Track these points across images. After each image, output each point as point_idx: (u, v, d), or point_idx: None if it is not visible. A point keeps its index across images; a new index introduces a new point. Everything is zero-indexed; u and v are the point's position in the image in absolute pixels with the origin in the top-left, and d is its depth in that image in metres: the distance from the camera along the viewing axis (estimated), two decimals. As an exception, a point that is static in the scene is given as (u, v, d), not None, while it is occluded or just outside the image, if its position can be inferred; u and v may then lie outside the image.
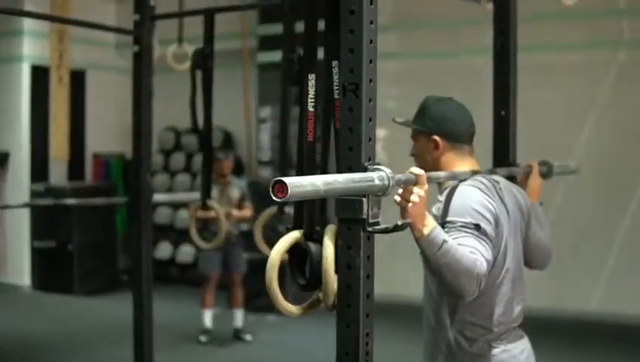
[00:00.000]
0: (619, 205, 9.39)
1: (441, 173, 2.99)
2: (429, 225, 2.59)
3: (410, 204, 2.49)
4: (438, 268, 2.66)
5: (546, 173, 3.57)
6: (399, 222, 2.32)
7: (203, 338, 8.45)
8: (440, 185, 3.11)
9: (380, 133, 10.76)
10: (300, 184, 1.97)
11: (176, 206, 11.82)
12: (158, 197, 4.93)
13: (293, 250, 2.49)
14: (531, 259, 3.32)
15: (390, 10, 10.22)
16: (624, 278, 9.26)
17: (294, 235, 2.49)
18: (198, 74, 4.39)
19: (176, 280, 11.80)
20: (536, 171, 3.50)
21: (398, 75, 10.33)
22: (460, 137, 3.14)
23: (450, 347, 3.07)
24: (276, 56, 7.93)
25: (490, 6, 3.72)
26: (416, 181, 2.48)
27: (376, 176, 2.25)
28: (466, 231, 2.80)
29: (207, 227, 7.30)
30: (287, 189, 1.91)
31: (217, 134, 11.70)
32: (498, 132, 3.60)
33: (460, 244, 2.71)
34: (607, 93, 9.39)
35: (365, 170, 2.29)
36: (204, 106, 4.40)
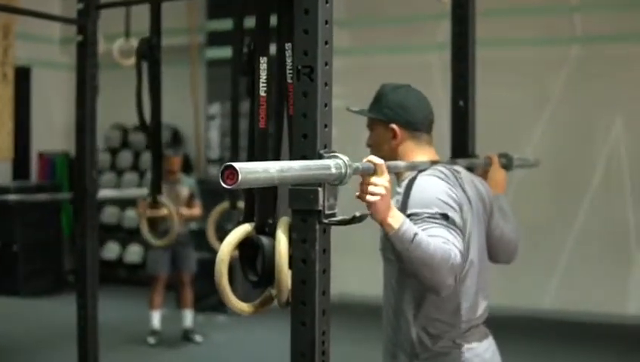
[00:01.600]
0: (572, 202, 9.38)
1: (400, 163, 2.85)
2: (398, 219, 2.44)
3: (374, 198, 2.35)
4: (412, 264, 2.51)
5: (506, 165, 3.45)
6: (357, 214, 2.18)
7: (151, 340, 8.26)
8: (398, 176, 2.97)
9: (343, 132, 10.66)
10: (251, 170, 1.83)
11: (123, 205, 11.62)
12: (103, 193, 4.74)
13: (244, 244, 2.35)
14: (496, 253, 3.21)
15: (342, 6, 10.12)
16: (578, 276, 9.26)
17: (245, 228, 2.35)
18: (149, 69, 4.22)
19: (125, 280, 11.59)
20: (496, 162, 3.38)
21: (348, 72, 10.22)
22: (419, 126, 3.00)
23: (413, 345, 2.93)
24: (225, 52, 7.78)
25: (447, -1, 3.60)
26: (374, 170, 2.34)
27: (333, 164, 2.12)
28: (434, 222, 2.65)
29: (156, 225, 7.14)
30: (238, 175, 1.77)
31: (165, 131, 11.54)
32: (456, 123, 3.47)
33: (430, 236, 2.56)
34: (560, 89, 9.37)
35: (321, 158, 2.16)
36: (152, 100, 4.21)
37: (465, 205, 2.86)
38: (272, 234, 2.30)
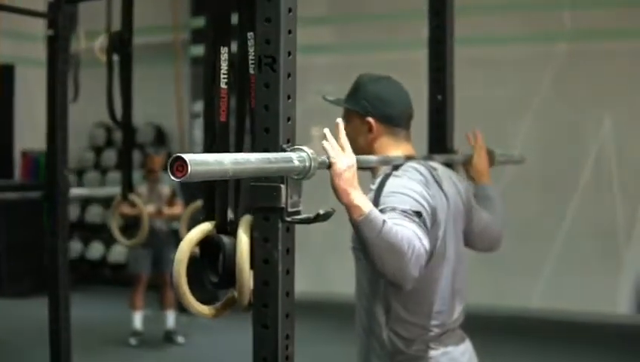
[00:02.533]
0: (560, 200, 9.31)
1: (372, 157, 2.72)
2: (367, 204, 2.30)
3: (339, 166, 2.22)
4: (378, 252, 2.35)
5: (489, 161, 3.34)
6: (321, 211, 2.06)
7: (133, 341, 8.15)
8: (373, 172, 2.85)
9: (323, 129, 10.54)
10: (203, 161, 1.72)
11: (108, 205, 11.49)
12: (75, 191, 4.64)
13: (205, 243, 2.24)
14: (480, 241, 3.11)
15: (326, 1, 10.02)
16: (566, 275, 9.18)
17: (205, 227, 2.23)
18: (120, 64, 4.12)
19: (109, 280, 11.48)
20: (479, 151, 3.27)
21: (333, 69, 10.14)
22: (397, 120, 2.86)
23: (385, 348, 2.80)
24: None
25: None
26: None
27: (296, 157, 2.01)
28: (403, 216, 2.51)
29: (135, 224, 7.07)
30: (187, 167, 1.66)
31: (149, 130, 11.51)
32: (434, 117, 3.35)
33: (399, 226, 2.43)
34: (548, 87, 9.29)
35: (283, 152, 2.05)
36: (122, 95, 4.11)
37: (440, 205, 2.74)
38: (233, 233, 2.18)
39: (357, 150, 2.76)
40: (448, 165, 3.12)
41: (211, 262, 2.24)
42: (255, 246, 2.11)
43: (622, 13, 9.01)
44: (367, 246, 2.36)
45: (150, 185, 7.98)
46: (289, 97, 2.09)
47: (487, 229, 3.11)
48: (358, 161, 2.30)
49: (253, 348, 2.13)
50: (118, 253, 11.42)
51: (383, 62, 9.59)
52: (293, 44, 2.10)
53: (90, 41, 7.42)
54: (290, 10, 2.09)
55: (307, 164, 2.03)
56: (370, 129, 2.85)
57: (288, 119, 2.09)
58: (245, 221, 2.15)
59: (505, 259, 9.47)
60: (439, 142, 3.25)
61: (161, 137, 11.50)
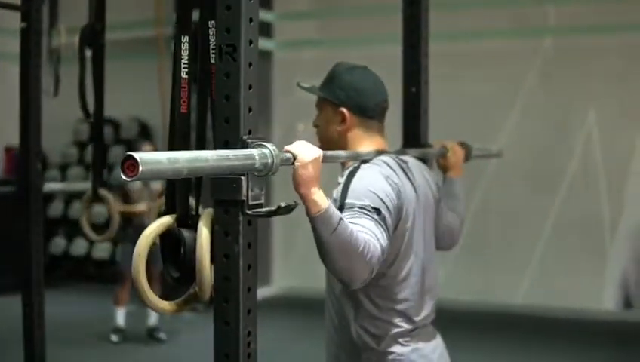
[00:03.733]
0: (546, 195, 9.29)
1: (341, 153, 2.64)
2: (325, 199, 2.23)
3: (303, 158, 2.15)
4: (331, 251, 2.28)
5: (465, 155, 3.28)
6: (282, 204, 2.01)
7: (114, 338, 8.10)
8: (342, 164, 2.79)
9: (310, 125, 10.51)
10: (154, 160, 1.63)
11: (94, 201, 11.44)
12: (49, 186, 4.57)
13: (166, 237, 2.18)
14: (441, 239, 3.05)
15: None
16: (551, 270, 9.19)
17: (165, 220, 2.17)
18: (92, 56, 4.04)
19: (93, 277, 11.44)
20: (455, 148, 3.21)
21: (317, 64, 10.08)
22: (371, 112, 2.79)
23: (354, 344, 2.75)
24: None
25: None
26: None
27: (257, 153, 1.95)
28: (364, 214, 2.45)
29: (131, 222, 7.10)
30: (138, 167, 1.58)
31: (133, 125, 11.48)
32: (409, 110, 3.29)
33: (356, 225, 2.37)
34: (533, 82, 9.26)
35: (244, 144, 1.99)
36: (94, 89, 4.03)
37: (409, 199, 2.69)
38: (195, 227, 2.12)
39: (328, 139, 2.73)
40: (422, 159, 3.07)
41: (173, 257, 2.18)
42: (215, 241, 2.05)
43: (606, 8, 8.99)
44: (320, 244, 2.29)
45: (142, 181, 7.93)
46: (250, 87, 2.03)
47: (449, 225, 3.08)
48: (325, 157, 2.24)
49: (215, 345, 2.07)
50: (103, 249, 11.37)
51: (369, 56, 9.52)
52: (254, 32, 2.04)
53: (71, 36, 7.37)
54: (251, -2, 2.03)
55: (269, 160, 1.97)
56: (343, 119, 2.78)
57: (250, 109, 2.03)
58: (206, 214, 2.09)
59: (489, 254, 9.50)
60: (413, 136, 3.19)
61: (145, 132, 11.45)
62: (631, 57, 8.97)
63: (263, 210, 2.02)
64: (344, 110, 2.77)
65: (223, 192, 2.00)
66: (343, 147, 2.78)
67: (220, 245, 2.04)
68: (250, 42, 2.03)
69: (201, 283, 2.08)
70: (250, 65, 2.03)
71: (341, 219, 2.26)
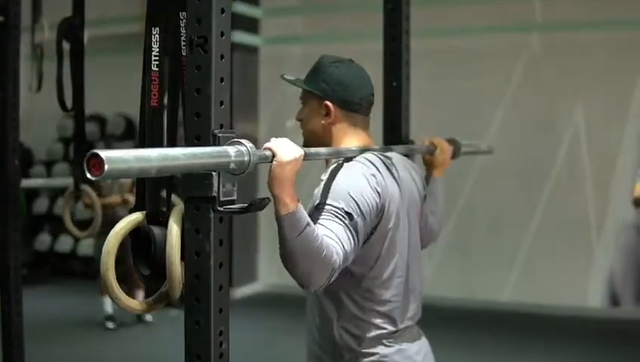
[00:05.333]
0: (532, 192, 9.26)
1: (323, 150, 2.55)
2: (296, 201, 2.18)
3: (282, 157, 2.10)
4: (293, 253, 2.23)
5: (453, 152, 3.22)
6: (254, 200, 1.95)
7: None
8: (326, 161, 2.72)
9: (290, 123, 10.50)
10: (120, 159, 1.57)
11: (76, 197, 11.37)
12: (29, 182, 4.51)
13: (136, 234, 2.12)
14: (420, 238, 2.99)
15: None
16: (536, 268, 9.16)
17: (136, 217, 2.12)
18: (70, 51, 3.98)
19: (79, 273, 11.38)
20: (444, 145, 3.15)
21: (304, 59, 10.04)
22: (356, 106, 2.71)
23: (336, 345, 2.67)
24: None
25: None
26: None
27: (233, 151, 1.90)
28: (335, 216, 2.40)
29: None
30: (104, 165, 1.52)
31: (119, 121, 11.41)
32: (389, 105, 3.23)
33: (322, 226, 2.33)
34: (520, 78, 9.23)
35: (216, 139, 1.94)
36: (73, 85, 3.96)
37: (392, 197, 2.61)
38: (165, 224, 2.07)
39: (312, 133, 2.67)
40: (407, 156, 3.01)
41: (143, 254, 2.13)
42: (186, 238, 2.00)
43: (594, 4, 8.96)
44: (283, 245, 2.24)
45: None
46: (222, 80, 1.97)
47: (428, 226, 3.02)
48: (307, 155, 2.20)
49: (186, 346, 2.02)
50: (88, 245, 11.25)
51: (355, 51, 9.48)
52: (226, 23, 1.98)
53: (54, 32, 7.31)
54: (223, -12, 1.98)
55: (245, 158, 1.92)
56: (327, 113, 2.70)
57: (221, 103, 1.98)
58: (177, 211, 2.04)
59: (475, 251, 9.46)
60: (393, 131, 3.13)
61: (130, 128, 11.38)
62: (618, 53, 8.93)
63: (235, 206, 1.97)
64: (329, 103, 2.70)
65: (193, 189, 1.95)
66: (328, 141, 2.72)
67: (191, 242, 1.99)
68: (222, 34, 1.98)
69: (172, 282, 2.03)
70: (222, 57, 1.97)
71: (308, 223, 2.21)
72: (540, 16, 9.30)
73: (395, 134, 3.15)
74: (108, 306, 8.30)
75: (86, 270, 11.28)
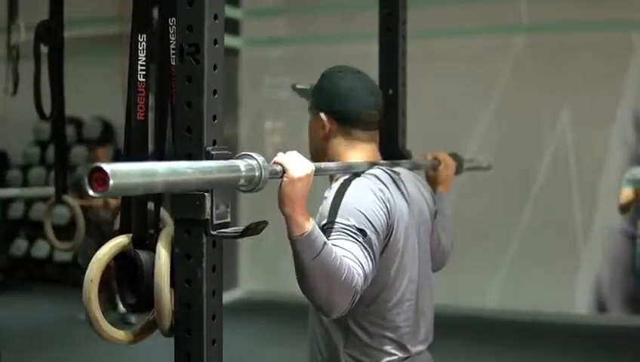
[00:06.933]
0: (518, 197, 9.16)
1: (332, 165, 2.36)
2: (310, 221, 2.02)
3: (293, 174, 1.95)
4: (311, 277, 2.06)
5: (456, 168, 3.08)
6: (252, 224, 1.79)
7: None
8: (331, 177, 2.54)
9: (281, 123, 10.37)
10: (127, 172, 1.42)
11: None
12: (4, 192, 4.34)
13: (121, 259, 1.95)
14: (431, 259, 2.83)
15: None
16: (522, 275, 9.07)
17: (120, 241, 1.95)
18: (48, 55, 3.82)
19: (55, 279, 11.17)
20: (448, 161, 3.02)
21: (285, 62, 9.93)
22: (353, 120, 2.54)
23: None
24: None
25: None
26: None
27: (243, 166, 1.75)
28: (346, 233, 2.23)
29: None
30: (108, 180, 1.36)
31: (96, 124, 11.27)
32: (386, 113, 3.06)
33: (339, 247, 2.16)
34: (505, 80, 9.13)
35: (208, 156, 1.78)
36: (51, 88, 3.79)
37: (401, 213, 2.46)
38: (153, 248, 1.90)
39: (313, 146, 2.56)
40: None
41: (129, 281, 1.96)
42: (176, 264, 1.84)
43: (579, 5, 8.87)
44: (300, 268, 2.07)
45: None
46: (215, 92, 1.82)
47: (440, 246, 2.87)
48: (316, 170, 2.04)
49: (176, 380, 1.86)
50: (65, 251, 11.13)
51: (339, 54, 9.38)
52: (219, 30, 1.83)
53: (31, 33, 7.14)
54: (216, -9, 1.82)
55: (257, 173, 1.77)
56: (323, 126, 2.56)
57: (214, 117, 1.82)
58: (166, 233, 1.88)
59: (460, 257, 9.29)
60: (390, 140, 2.96)
61: (108, 132, 11.21)
62: (605, 55, 8.84)
63: (230, 230, 1.82)
64: (323, 116, 2.55)
65: (184, 210, 1.80)
66: (325, 154, 2.57)
67: (181, 269, 1.84)
68: (215, 42, 1.82)
69: (160, 311, 1.87)
70: (214, 67, 1.82)
71: (325, 243, 2.05)
72: (526, 18, 9.19)
73: (391, 144, 2.98)
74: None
75: (63, 276, 11.12)
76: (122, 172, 1.40)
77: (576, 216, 8.94)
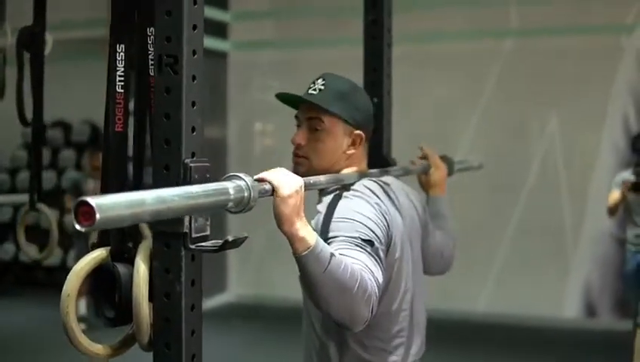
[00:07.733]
0: (507, 201, 9.15)
1: (321, 178, 2.29)
2: (312, 234, 1.96)
3: (283, 192, 1.91)
4: (324, 291, 2.00)
5: (447, 170, 3.07)
6: (230, 238, 1.76)
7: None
8: (321, 191, 2.50)
9: (269, 127, 10.34)
10: (114, 205, 1.39)
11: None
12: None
13: (99, 272, 1.93)
14: (430, 264, 2.84)
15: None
16: (513, 278, 9.05)
17: (98, 254, 1.92)
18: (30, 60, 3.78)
19: (43, 284, 11.13)
20: (438, 163, 3.01)
21: (273, 65, 9.91)
22: (370, 136, 2.61)
23: None
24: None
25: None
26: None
27: (232, 187, 1.73)
28: (354, 245, 2.18)
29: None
30: (95, 214, 1.33)
31: (84, 128, 11.24)
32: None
33: (347, 257, 2.09)
34: (494, 84, 9.12)
35: (186, 168, 1.75)
36: (33, 94, 3.75)
37: (395, 225, 2.43)
38: (131, 261, 1.88)
39: (329, 160, 2.48)
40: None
41: (107, 295, 1.94)
42: (155, 278, 1.81)
43: (568, 9, 8.88)
44: (310, 284, 2.00)
45: (97, 181, 7.82)
46: (194, 104, 1.79)
47: (441, 249, 2.87)
48: (308, 185, 2.02)
49: (154, 396, 1.83)
50: (53, 255, 11.06)
51: (326, 58, 9.37)
52: (199, 41, 1.80)
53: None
54: (195, 2, 1.79)
55: (245, 194, 1.75)
56: (354, 142, 2.52)
57: (193, 129, 1.79)
58: (144, 247, 1.85)
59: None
60: (375, 149, 2.93)
61: (96, 136, 11.16)
62: (593, 59, 8.84)
63: (208, 243, 1.79)
64: (362, 133, 2.53)
65: (162, 224, 1.76)
66: (344, 166, 2.54)
67: (160, 283, 1.81)
68: (194, 52, 1.79)
69: (139, 325, 1.84)
70: (193, 78, 1.79)
71: (332, 254, 2.00)
72: (515, 22, 9.19)
73: (376, 153, 2.95)
74: (80, 307, 7.99)
75: (51, 280, 11.06)
76: (108, 205, 1.37)
77: (565, 220, 8.94)
